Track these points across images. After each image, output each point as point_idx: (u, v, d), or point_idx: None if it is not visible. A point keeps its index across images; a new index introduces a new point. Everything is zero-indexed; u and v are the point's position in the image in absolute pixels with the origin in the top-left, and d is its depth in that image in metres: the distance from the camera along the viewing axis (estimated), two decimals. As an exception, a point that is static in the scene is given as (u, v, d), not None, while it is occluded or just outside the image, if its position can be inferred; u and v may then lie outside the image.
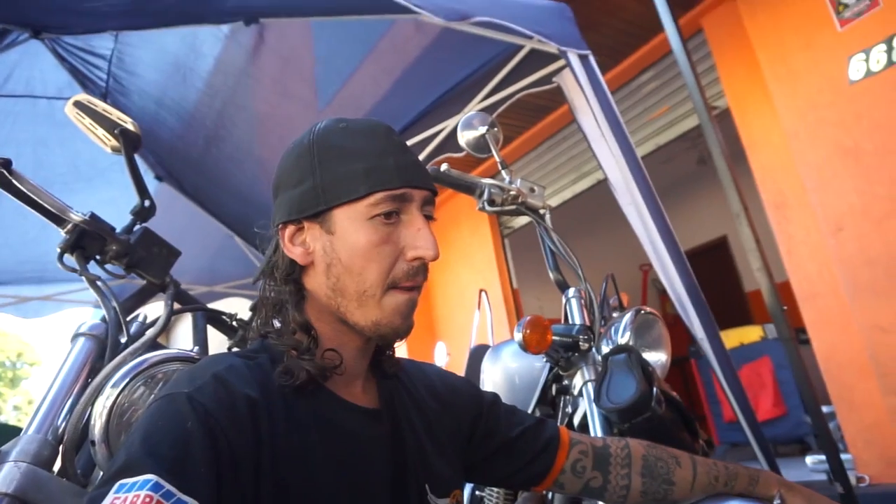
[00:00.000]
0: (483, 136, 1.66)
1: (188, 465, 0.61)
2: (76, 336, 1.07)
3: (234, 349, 1.13)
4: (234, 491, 0.65)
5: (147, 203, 1.18)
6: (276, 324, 0.82)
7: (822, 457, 3.33)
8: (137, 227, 1.18)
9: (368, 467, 0.78)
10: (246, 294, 4.52)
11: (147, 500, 0.56)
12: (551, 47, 2.05)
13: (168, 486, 0.58)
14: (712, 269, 6.80)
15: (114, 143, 1.15)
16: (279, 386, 0.75)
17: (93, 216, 1.10)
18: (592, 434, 1.20)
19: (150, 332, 1.03)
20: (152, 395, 0.94)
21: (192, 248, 4.09)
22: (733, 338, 4.64)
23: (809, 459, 3.62)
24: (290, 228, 0.81)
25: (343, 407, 0.80)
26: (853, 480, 2.88)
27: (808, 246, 3.43)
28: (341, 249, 0.78)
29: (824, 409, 2.47)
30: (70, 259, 1.08)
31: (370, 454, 0.79)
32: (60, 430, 0.95)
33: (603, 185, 4.95)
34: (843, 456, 2.88)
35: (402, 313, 0.79)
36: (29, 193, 1.02)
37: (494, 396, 1.03)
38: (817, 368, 3.35)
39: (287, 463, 0.70)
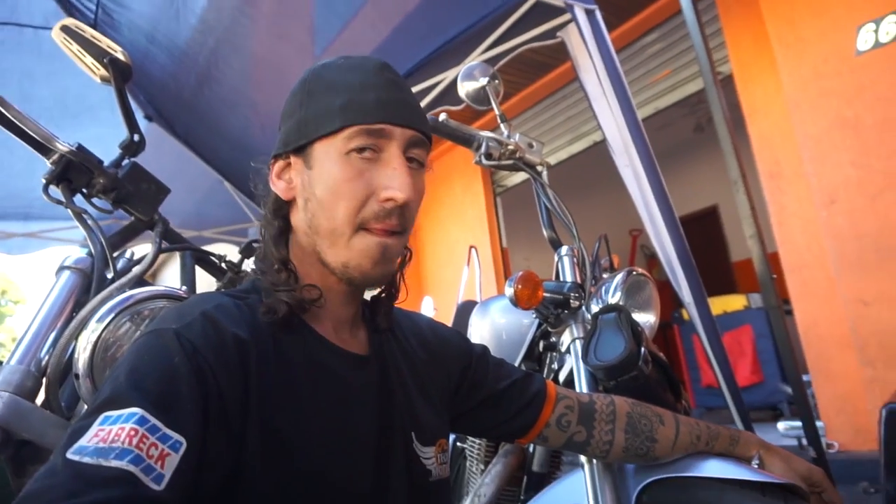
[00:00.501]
0: (483, 87, 1.62)
1: (174, 400, 0.60)
2: (61, 269, 1.04)
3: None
4: (220, 430, 0.64)
5: (136, 137, 1.14)
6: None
7: (794, 423, 3.43)
8: (126, 161, 1.15)
9: (355, 413, 0.78)
10: (235, 240, 4.50)
11: (132, 433, 0.55)
12: (557, 0, 1.99)
13: (154, 421, 0.57)
14: (701, 237, 6.83)
15: (103, 72, 1.11)
16: (268, 327, 0.74)
17: (80, 147, 1.06)
18: (578, 391, 1.21)
19: (137, 269, 1.01)
20: (138, 332, 0.93)
21: (181, 191, 4.03)
22: (717, 306, 4.70)
23: (781, 425, 3.72)
24: (280, 163, 0.81)
25: (331, 351, 0.79)
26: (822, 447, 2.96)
27: (799, 218, 3.44)
28: (317, 184, 0.76)
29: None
30: (55, 191, 1.04)
31: (357, 400, 0.79)
32: (43, 362, 0.94)
33: (597, 148, 4.94)
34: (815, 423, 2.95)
35: (373, 257, 0.75)
36: (13, 119, 0.98)
37: (483, 349, 1.03)
38: (798, 338, 3.40)
39: (274, 405, 0.70)
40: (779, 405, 4.40)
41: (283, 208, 0.81)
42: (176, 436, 0.58)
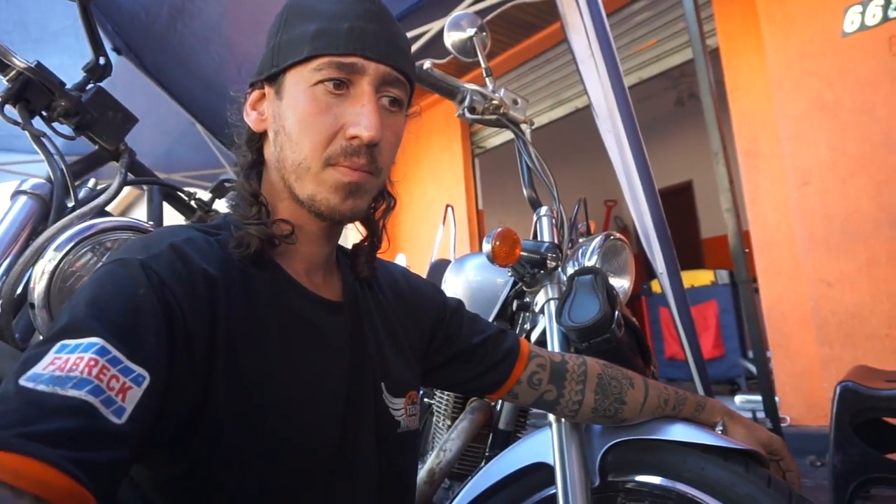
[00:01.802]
0: (471, 38, 1.56)
1: (138, 332, 0.57)
2: (17, 193, 0.98)
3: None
4: (185, 368, 0.61)
5: (102, 61, 1.07)
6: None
7: (751, 396, 3.54)
8: (91, 86, 1.07)
9: (324, 359, 0.75)
10: (205, 185, 4.38)
11: (92, 363, 0.52)
12: (551, -47, 1.93)
13: (115, 352, 0.54)
14: (673, 212, 6.90)
15: (66, -15, 1.03)
16: (238, 264, 0.71)
17: (39, 65, 0.99)
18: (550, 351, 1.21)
19: (100, 199, 0.96)
20: (100, 263, 0.88)
21: (151, 132, 3.90)
22: (685, 280, 4.76)
23: (738, 399, 3.85)
24: (255, 94, 0.78)
25: (302, 295, 0.76)
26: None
27: (772, 197, 3.49)
28: (286, 116, 0.72)
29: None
30: (12, 111, 0.98)
31: (327, 346, 0.76)
32: (-4, 290, 0.89)
33: (578, 116, 4.91)
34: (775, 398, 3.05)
35: (341, 192, 0.72)
36: (-34, 29, 0.91)
37: (458, 303, 1.01)
38: (761, 315, 3.48)
39: (242, 345, 0.67)
40: (737, 379, 4.54)
41: (255, 140, 0.78)
42: (139, 369, 0.55)
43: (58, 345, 0.53)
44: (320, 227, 0.78)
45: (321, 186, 0.72)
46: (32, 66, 0.98)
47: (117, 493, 0.53)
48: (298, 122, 0.71)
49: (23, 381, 0.49)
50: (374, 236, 0.86)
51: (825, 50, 3.13)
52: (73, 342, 0.53)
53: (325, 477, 0.73)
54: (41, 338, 0.92)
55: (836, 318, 3.10)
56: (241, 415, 0.65)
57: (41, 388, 0.49)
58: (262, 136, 0.78)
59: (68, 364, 0.51)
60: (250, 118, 0.77)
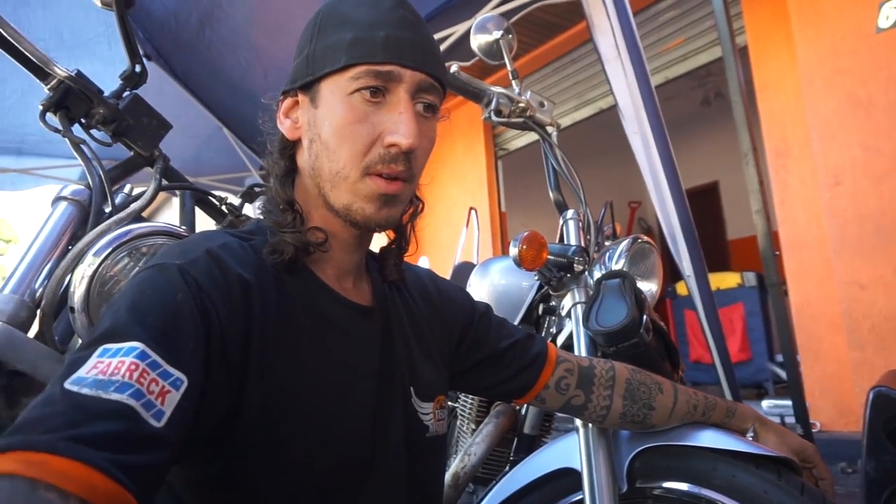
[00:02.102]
0: (497, 41, 1.56)
1: (176, 337, 0.58)
2: (58, 199, 1.01)
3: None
4: (221, 371, 0.62)
5: (138, 68, 1.09)
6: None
7: (779, 401, 3.48)
8: (127, 93, 1.10)
9: (355, 363, 0.76)
10: (233, 189, 4.44)
11: (132, 367, 0.53)
12: (577, -45, 1.92)
13: (154, 356, 0.55)
14: (699, 213, 6.81)
15: (105, -4, 1.05)
16: (272, 270, 0.72)
17: (79, 73, 1.01)
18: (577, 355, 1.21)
19: (136, 204, 0.98)
20: (136, 267, 0.90)
21: (180, 136, 3.93)
22: (711, 282, 4.71)
23: (766, 403, 3.78)
24: (288, 101, 0.78)
25: (334, 300, 0.77)
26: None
27: (802, 197, 3.42)
28: (322, 125, 0.73)
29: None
30: (53, 118, 1.00)
31: (358, 351, 0.77)
32: (38, 294, 0.92)
33: (602, 117, 4.87)
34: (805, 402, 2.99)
35: (377, 202, 0.73)
36: (10, 39, 0.94)
37: (486, 307, 1.01)
38: (790, 318, 3.42)
39: (276, 349, 0.68)
40: (764, 384, 4.46)
41: (289, 148, 0.79)
42: (177, 373, 0.56)
43: (100, 349, 0.55)
44: (352, 235, 0.79)
45: (357, 196, 0.73)
46: (73, 74, 1.01)
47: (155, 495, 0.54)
48: (336, 130, 0.72)
49: (67, 385, 0.51)
50: (402, 239, 0.86)
51: (858, 47, 3.06)
52: (114, 346, 0.55)
53: (355, 480, 0.73)
54: (80, 341, 0.95)
55: (869, 322, 3.03)
56: (273, 418, 0.66)
57: (85, 391, 0.51)
58: (296, 143, 0.78)
59: (110, 368, 0.53)
60: (284, 126, 0.78)
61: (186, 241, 0.71)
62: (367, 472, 0.75)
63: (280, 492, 0.67)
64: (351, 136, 0.71)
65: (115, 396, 0.51)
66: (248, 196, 1.28)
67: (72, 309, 0.89)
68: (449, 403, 1.66)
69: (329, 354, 0.73)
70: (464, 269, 2.08)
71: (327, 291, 0.77)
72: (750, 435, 1.00)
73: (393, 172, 0.72)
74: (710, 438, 0.96)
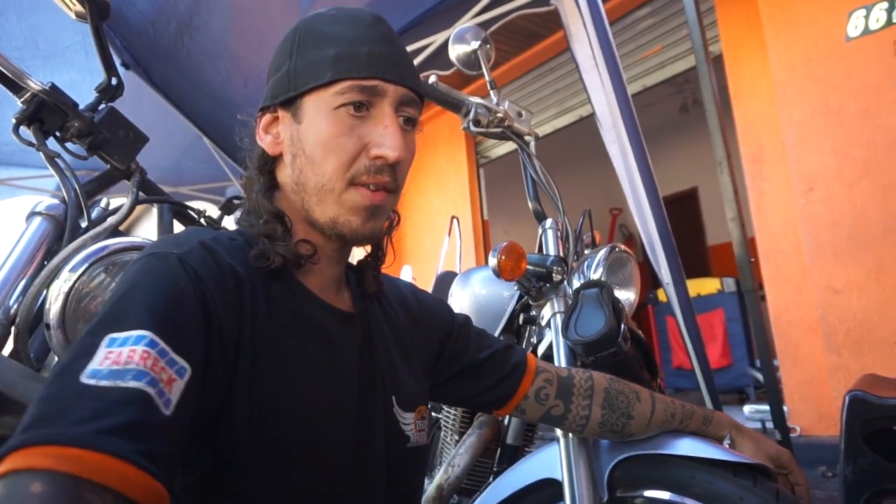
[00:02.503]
0: (475, 51, 1.57)
1: (181, 325, 0.58)
2: (32, 214, 1.00)
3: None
4: (218, 363, 0.62)
5: (114, 81, 1.08)
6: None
7: (760, 406, 3.52)
8: (103, 106, 1.09)
9: (338, 368, 0.76)
10: (213, 199, 4.41)
11: (145, 355, 0.53)
12: (554, -34, 1.94)
13: (162, 344, 0.55)
14: (679, 219, 6.88)
15: (79, 7, 1.04)
16: (258, 271, 0.72)
17: (53, 87, 1.00)
18: (556, 365, 1.21)
19: (112, 218, 0.97)
20: (113, 283, 0.89)
21: (159, 145, 3.90)
22: (692, 288, 4.74)
23: (747, 409, 3.82)
24: (267, 117, 0.78)
25: (318, 305, 0.77)
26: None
27: (777, 203, 3.48)
28: (305, 139, 0.74)
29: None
30: (27, 132, 0.99)
31: (340, 356, 0.77)
32: (12, 311, 0.90)
33: (582, 124, 4.91)
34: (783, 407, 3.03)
35: (363, 214, 0.74)
36: (-19, 54, 0.93)
37: (465, 318, 1.02)
38: (769, 323, 3.47)
39: (264, 346, 0.68)
40: (745, 389, 4.51)
41: (269, 164, 0.79)
42: (182, 362, 0.56)
43: (107, 338, 0.54)
44: (334, 249, 0.79)
45: (342, 208, 0.73)
46: (47, 87, 1.00)
47: None
48: (321, 144, 0.72)
49: (85, 380, 0.51)
50: (379, 251, 0.87)
51: (829, 55, 3.13)
52: (121, 335, 0.54)
53: (335, 488, 0.73)
54: (56, 359, 0.94)
55: (845, 326, 3.08)
56: (260, 414, 0.66)
57: (103, 383, 0.51)
58: (276, 159, 0.79)
59: (122, 357, 0.53)
60: (265, 142, 0.78)
61: (178, 234, 0.72)
62: (348, 479, 0.74)
63: (261, 496, 0.67)
64: (336, 149, 0.72)
65: (132, 384, 0.51)
66: (227, 209, 1.27)
67: (47, 325, 0.88)
68: (433, 415, 1.66)
69: (313, 357, 0.74)
70: (446, 278, 2.09)
71: (311, 297, 0.77)
72: (727, 442, 1.01)
73: (379, 183, 0.73)
74: (687, 447, 0.97)
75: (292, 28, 0.78)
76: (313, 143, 0.73)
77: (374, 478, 0.78)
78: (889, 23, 2.88)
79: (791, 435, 3.22)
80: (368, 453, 0.78)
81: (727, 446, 0.99)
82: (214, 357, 0.62)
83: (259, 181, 0.78)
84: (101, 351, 0.53)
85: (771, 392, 2.06)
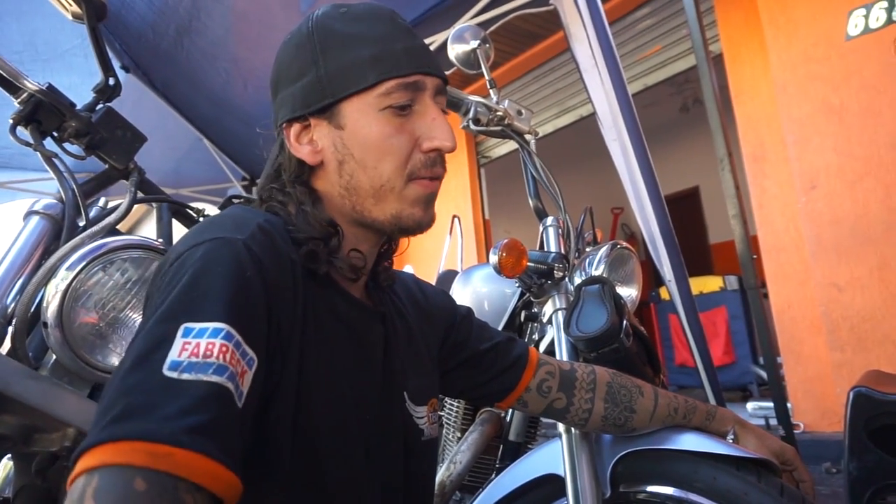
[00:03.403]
0: (474, 50, 1.57)
1: (251, 316, 0.58)
2: (30, 213, 0.99)
3: None
4: (276, 350, 0.62)
5: (112, 81, 1.08)
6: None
7: (763, 403, 3.51)
8: (100, 106, 1.09)
9: (365, 365, 0.77)
10: (213, 200, 4.41)
11: (223, 349, 0.53)
12: (552, -35, 1.94)
13: (238, 336, 0.55)
14: (681, 218, 6.88)
15: (75, 8, 1.04)
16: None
17: (50, 87, 1.00)
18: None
19: (110, 217, 0.97)
20: (111, 281, 0.89)
21: (160, 148, 3.93)
22: (694, 286, 4.73)
23: (750, 406, 3.81)
24: (296, 127, 0.75)
25: (350, 301, 0.77)
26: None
27: (779, 201, 3.47)
28: (353, 145, 0.73)
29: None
30: (24, 132, 0.99)
31: (368, 353, 0.78)
32: (9, 309, 0.90)
33: (583, 123, 4.91)
34: (787, 404, 3.02)
35: (421, 204, 0.75)
36: (-22, 53, 0.92)
37: (468, 310, 1.02)
38: (771, 320, 3.46)
39: (308, 335, 0.68)
40: (749, 386, 4.50)
41: (304, 174, 0.77)
42: (251, 353, 0.57)
43: (182, 328, 0.54)
44: (370, 247, 0.80)
45: (405, 203, 0.74)
46: (44, 88, 1.00)
47: None
48: (374, 146, 0.72)
49: (167, 372, 0.50)
50: (391, 245, 0.87)
51: (829, 54, 3.13)
52: (197, 325, 0.54)
53: (357, 482, 0.73)
54: (53, 357, 0.94)
55: (848, 323, 3.07)
56: (300, 408, 0.66)
57: (185, 376, 0.50)
58: (313, 169, 0.77)
59: (201, 349, 0.52)
60: (303, 152, 0.75)
61: (231, 214, 0.70)
62: (369, 475, 0.74)
63: (295, 485, 0.66)
64: (391, 149, 0.72)
65: (215, 379, 0.51)
66: (227, 208, 1.26)
67: (45, 324, 0.87)
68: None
69: (345, 353, 0.74)
70: (448, 277, 2.08)
71: (343, 294, 0.77)
72: (730, 437, 1.00)
73: (436, 174, 0.76)
74: (691, 441, 0.97)
75: (301, 33, 0.76)
76: (364, 146, 0.72)
77: (394, 472, 0.79)
78: (889, 21, 2.87)
79: (795, 431, 3.22)
80: (388, 449, 0.78)
81: (731, 441, 0.98)
82: (273, 345, 0.62)
83: (301, 192, 0.76)
84: (178, 341, 0.53)
85: (774, 389, 2.05)
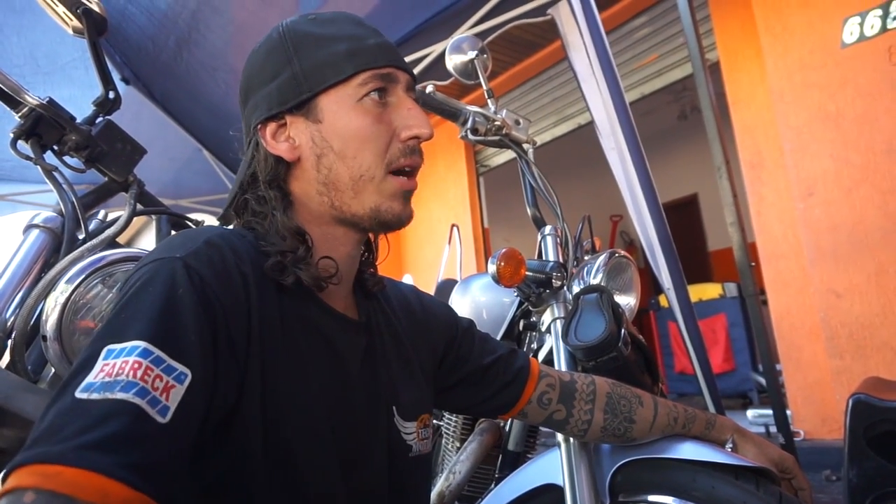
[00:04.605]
0: (472, 61, 1.58)
1: (179, 332, 0.58)
2: (30, 227, 1.00)
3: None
4: (230, 361, 0.62)
5: (112, 94, 1.09)
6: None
7: (763, 411, 3.50)
8: (100, 119, 1.10)
9: (342, 377, 0.76)
10: (213, 210, 4.42)
11: (136, 365, 0.53)
12: (549, -24, 1.96)
13: (158, 352, 0.55)
14: (680, 225, 6.89)
15: (76, 23, 1.05)
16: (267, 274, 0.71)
17: (51, 101, 1.01)
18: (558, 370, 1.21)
19: (109, 230, 0.97)
20: (110, 294, 0.89)
21: (159, 159, 3.95)
22: (693, 293, 4.74)
23: (750, 413, 3.80)
24: (272, 126, 0.76)
25: (323, 310, 0.76)
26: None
27: (777, 208, 3.48)
28: (332, 137, 0.74)
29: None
30: (24, 146, 1.00)
31: (344, 364, 0.77)
32: (9, 323, 0.90)
33: (581, 132, 4.93)
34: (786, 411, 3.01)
35: (401, 199, 0.76)
36: (-21, 68, 0.93)
37: (470, 322, 1.01)
38: (771, 328, 3.46)
39: (272, 346, 0.68)
40: (749, 393, 4.50)
41: (280, 173, 0.76)
42: (181, 367, 0.56)
43: (104, 350, 0.55)
44: (350, 249, 0.79)
45: (383, 196, 0.75)
46: (44, 102, 1.01)
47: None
48: (353, 137, 0.73)
49: (78, 394, 0.51)
50: (371, 247, 0.87)
51: (825, 61, 3.14)
52: (118, 346, 0.55)
53: (337, 498, 0.72)
54: (53, 370, 0.94)
55: (846, 330, 3.07)
56: (268, 420, 0.65)
57: (94, 396, 0.51)
58: (288, 169, 0.77)
59: (115, 369, 0.53)
60: (280, 149, 0.75)
61: (184, 233, 0.71)
62: (349, 487, 0.73)
63: (273, 501, 0.66)
64: (371, 137, 0.74)
65: (120, 395, 0.52)
66: (226, 219, 1.27)
67: (44, 337, 0.88)
68: (434, 422, 1.66)
69: (318, 364, 0.73)
70: (447, 287, 2.08)
71: (317, 302, 0.76)
72: (729, 446, 1.00)
73: (415, 164, 0.77)
74: (689, 450, 0.97)
75: (272, 38, 0.77)
76: (343, 137, 0.73)
77: (377, 488, 0.78)
78: (884, 29, 2.89)
79: (795, 439, 3.21)
80: (370, 464, 0.77)
81: (730, 450, 0.98)
82: (226, 359, 0.62)
83: (271, 196, 0.76)
84: (99, 363, 0.54)
85: (774, 396, 2.05)
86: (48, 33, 2.63)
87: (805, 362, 3.35)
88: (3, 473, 0.48)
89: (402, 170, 0.76)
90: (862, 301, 3.01)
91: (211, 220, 1.33)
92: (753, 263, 2.08)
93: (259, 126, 0.76)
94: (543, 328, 1.28)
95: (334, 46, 0.74)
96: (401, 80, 0.77)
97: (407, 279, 3.24)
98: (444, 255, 3.20)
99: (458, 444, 1.50)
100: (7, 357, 0.90)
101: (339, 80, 0.73)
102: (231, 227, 0.80)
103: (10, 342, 0.90)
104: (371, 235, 0.86)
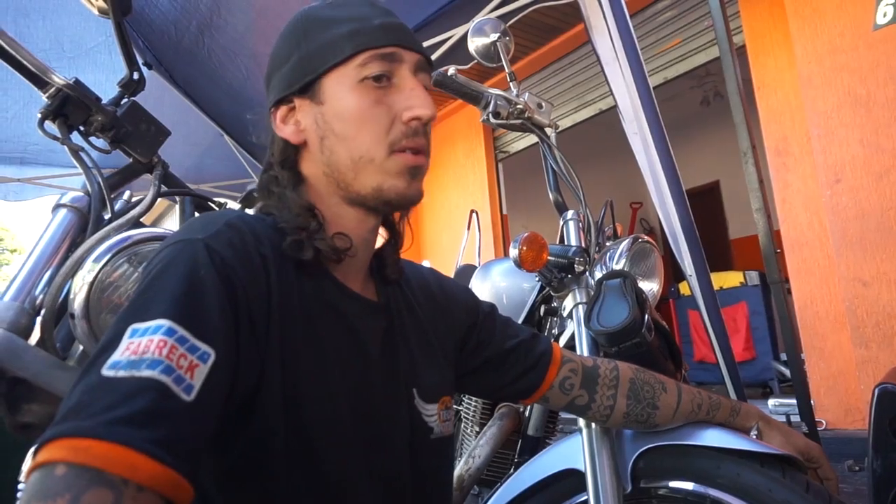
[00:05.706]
0: (494, 43, 1.57)
1: (202, 311, 0.59)
2: (58, 207, 1.01)
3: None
4: (251, 340, 0.63)
5: (136, 75, 1.10)
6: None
7: (785, 400, 3.46)
8: (125, 100, 1.10)
9: (363, 359, 0.76)
10: (234, 195, 4.45)
11: (161, 344, 0.54)
12: (574, -44, 1.92)
13: (182, 331, 0.56)
14: (701, 213, 6.80)
15: (101, 3, 1.06)
16: (286, 255, 0.72)
17: (77, 81, 1.02)
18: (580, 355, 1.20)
19: (135, 210, 0.98)
20: (136, 273, 0.90)
21: (181, 144, 3.98)
22: (714, 281, 4.69)
23: (771, 402, 3.76)
24: (283, 109, 0.77)
25: (343, 293, 0.77)
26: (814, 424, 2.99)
27: (803, 195, 3.42)
28: (332, 118, 0.74)
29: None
30: (51, 126, 1.01)
31: (364, 346, 0.77)
32: (38, 300, 0.92)
33: (602, 118, 4.88)
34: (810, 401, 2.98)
35: (406, 176, 0.74)
36: (8, 48, 0.94)
37: (491, 306, 1.00)
38: (794, 316, 3.41)
39: (292, 328, 0.68)
40: (769, 382, 4.45)
41: (290, 157, 0.78)
42: (204, 346, 0.57)
43: (130, 329, 0.56)
44: (368, 230, 0.79)
45: (387, 175, 0.74)
46: (71, 82, 1.01)
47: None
48: (354, 117, 0.73)
49: (105, 371, 0.52)
50: (397, 235, 0.87)
51: (856, 44, 3.06)
52: (142, 325, 0.56)
53: (359, 479, 0.73)
54: (80, 348, 0.95)
55: (873, 319, 3.02)
56: (289, 400, 0.66)
57: (121, 374, 0.52)
58: (298, 150, 0.78)
59: (140, 347, 0.54)
60: (286, 132, 0.77)
61: (205, 216, 0.72)
62: (371, 468, 0.74)
63: (295, 481, 0.67)
64: (370, 119, 0.73)
65: (146, 373, 0.52)
66: (247, 201, 1.27)
67: (72, 315, 0.89)
68: (453, 406, 1.66)
69: (338, 346, 0.73)
70: (466, 272, 2.08)
71: (336, 284, 0.77)
72: (754, 434, 0.99)
73: (418, 145, 0.75)
74: (714, 437, 0.96)
75: (289, 24, 0.78)
76: (342, 118, 0.73)
77: (399, 471, 0.78)
78: (919, 9, 2.80)
79: (818, 429, 3.18)
80: (392, 446, 0.77)
81: (755, 438, 0.97)
82: (247, 339, 0.63)
83: (285, 176, 0.77)
84: (124, 342, 0.55)
85: (798, 386, 2.02)
86: (73, 17, 2.66)
87: (829, 352, 3.30)
88: (34, 448, 0.49)
89: (406, 150, 0.75)
90: (890, 290, 2.95)
91: (232, 204, 1.34)
92: (778, 251, 2.04)
93: (273, 110, 0.78)
94: (565, 313, 1.27)
95: (338, 28, 0.74)
96: (406, 59, 0.75)
97: (425, 265, 3.25)
98: (464, 241, 3.20)
99: (477, 429, 1.50)
100: (37, 334, 0.92)
101: (338, 60, 0.73)
102: (250, 212, 0.81)
103: (39, 320, 0.91)
104: (395, 218, 0.85)
